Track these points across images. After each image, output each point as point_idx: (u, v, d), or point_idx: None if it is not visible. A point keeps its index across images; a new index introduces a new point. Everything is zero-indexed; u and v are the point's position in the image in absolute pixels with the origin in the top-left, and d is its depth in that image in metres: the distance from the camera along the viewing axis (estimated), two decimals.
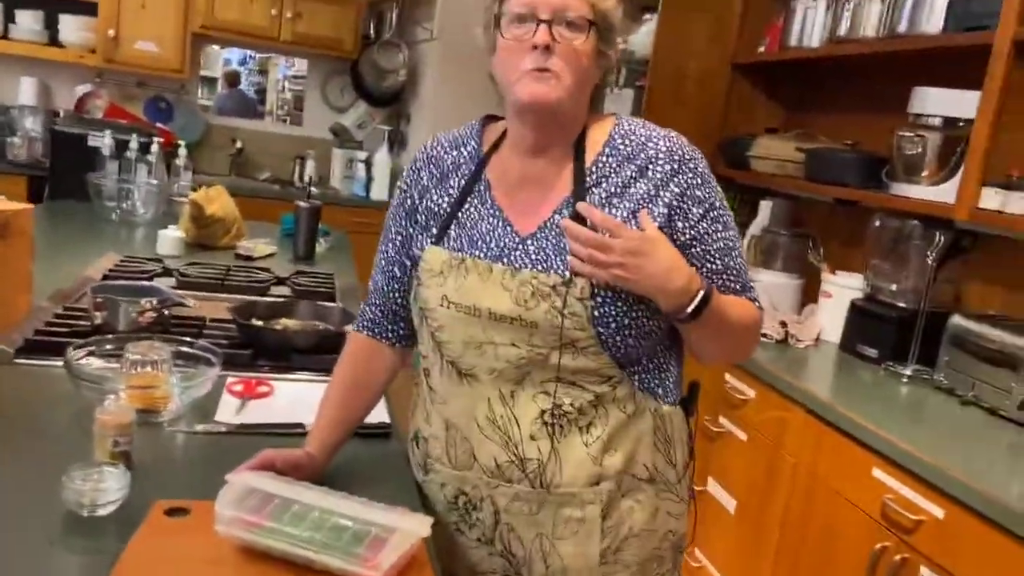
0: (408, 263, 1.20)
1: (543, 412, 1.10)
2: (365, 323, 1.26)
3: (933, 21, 2.19)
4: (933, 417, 1.94)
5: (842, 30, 2.52)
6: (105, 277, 2.00)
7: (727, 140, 3.06)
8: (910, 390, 2.08)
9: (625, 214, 1.09)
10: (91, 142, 3.18)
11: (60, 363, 1.39)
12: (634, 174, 1.11)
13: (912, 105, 2.23)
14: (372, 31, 4.82)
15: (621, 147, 1.13)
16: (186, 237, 2.55)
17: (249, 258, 2.57)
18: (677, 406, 1.19)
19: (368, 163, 4.80)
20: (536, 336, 1.07)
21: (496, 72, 1.12)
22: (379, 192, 4.77)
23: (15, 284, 1.55)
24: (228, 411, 1.33)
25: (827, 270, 2.56)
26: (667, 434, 1.17)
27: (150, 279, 2.04)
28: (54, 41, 4.40)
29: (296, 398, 1.42)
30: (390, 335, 1.25)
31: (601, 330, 1.06)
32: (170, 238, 2.43)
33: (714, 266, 1.14)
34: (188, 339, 1.41)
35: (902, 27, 2.27)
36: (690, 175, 1.11)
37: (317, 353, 1.57)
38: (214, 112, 5.00)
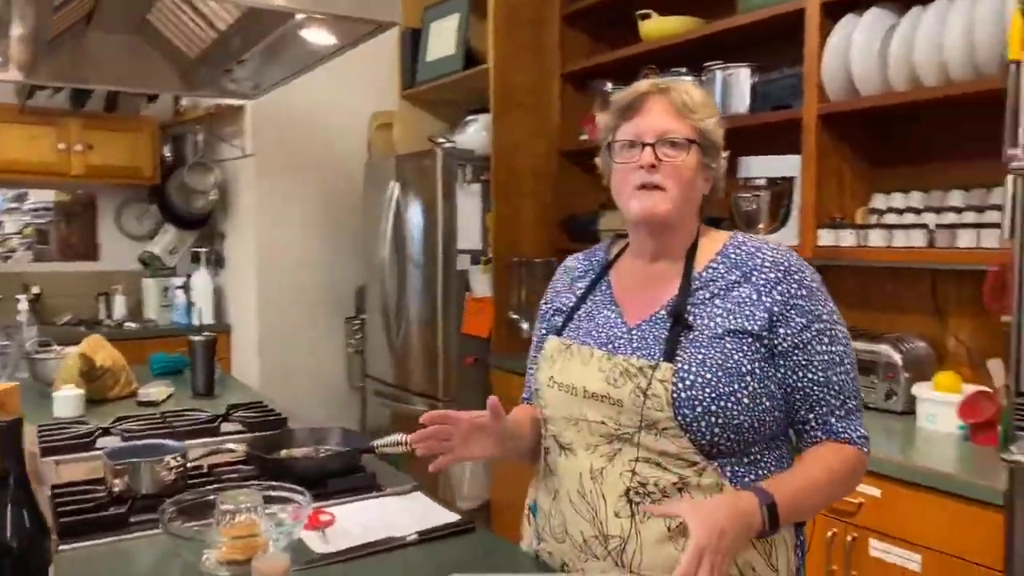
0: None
1: (628, 490, 1.16)
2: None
3: (742, 102, 2.71)
4: None
5: None
6: (45, 450, 1.86)
7: (569, 218, 3.41)
8: None
9: (724, 313, 1.19)
10: None
11: (108, 540, 1.35)
12: (739, 279, 1.21)
13: (740, 171, 2.71)
14: (171, 154, 4.69)
15: (732, 255, 1.24)
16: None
17: (153, 403, 2.44)
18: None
19: (186, 288, 4.61)
20: (623, 415, 1.17)
21: (613, 190, 1.27)
22: (204, 316, 4.57)
23: None
24: (318, 543, 1.35)
25: None
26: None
27: (93, 441, 1.92)
28: None
29: (360, 518, 1.46)
30: None
31: (685, 412, 1.12)
32: (70, 397, 2.25)
33: (816, 376, 1.18)
34: (265, 482, 1.41)
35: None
36: (795, 286, 1.19)
37: (348, 474, 1.61)
38: None
